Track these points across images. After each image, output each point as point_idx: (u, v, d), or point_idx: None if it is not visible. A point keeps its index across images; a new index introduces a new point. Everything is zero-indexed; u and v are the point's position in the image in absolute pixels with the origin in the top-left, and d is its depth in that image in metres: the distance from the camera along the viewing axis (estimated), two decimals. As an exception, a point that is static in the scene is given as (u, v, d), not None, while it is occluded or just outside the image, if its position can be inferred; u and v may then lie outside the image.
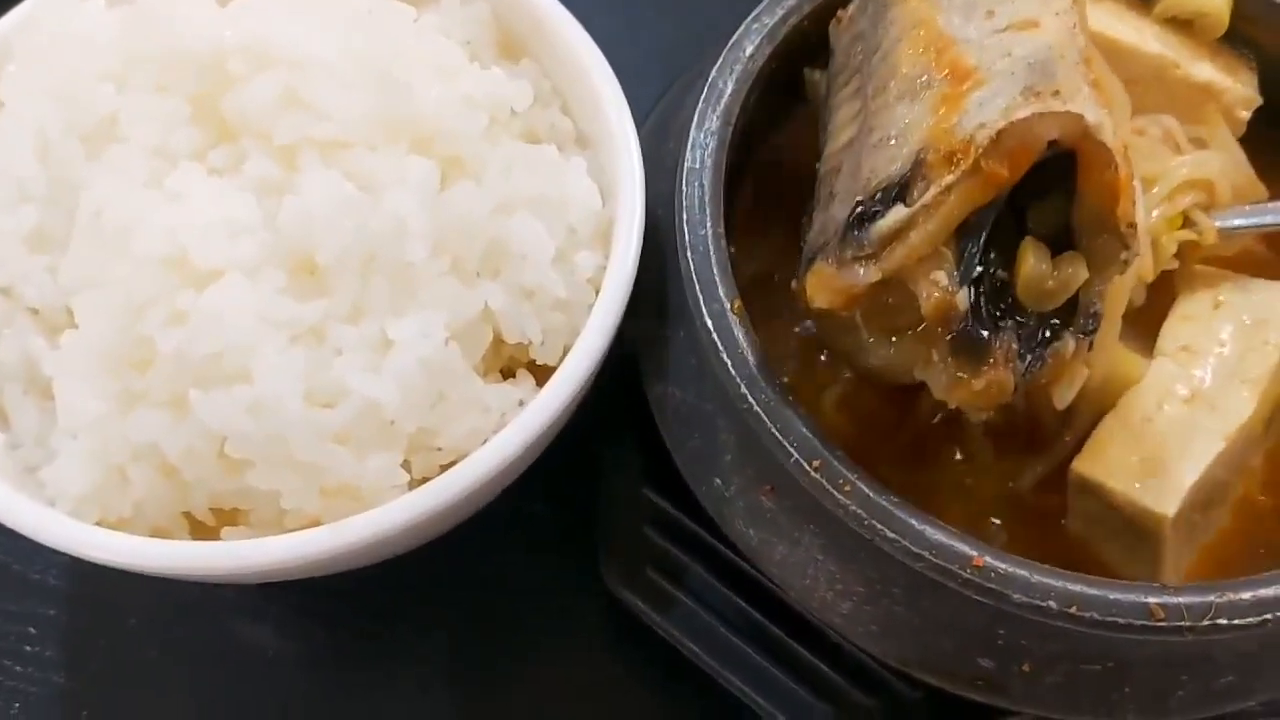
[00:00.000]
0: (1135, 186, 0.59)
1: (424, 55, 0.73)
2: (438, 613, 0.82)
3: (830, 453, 0.63)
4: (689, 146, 0.73)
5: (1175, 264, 0.76)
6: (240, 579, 0.66)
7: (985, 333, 0.58)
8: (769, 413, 0.65)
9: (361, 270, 0.65)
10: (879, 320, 0.64)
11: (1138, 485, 0.68)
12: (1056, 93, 0.57)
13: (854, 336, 0.66)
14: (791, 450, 0.63)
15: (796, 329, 0.77)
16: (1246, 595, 0.59)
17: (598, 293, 0.71)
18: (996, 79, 0.59)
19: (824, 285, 0.60)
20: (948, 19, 0.65)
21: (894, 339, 0.63)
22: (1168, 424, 0.70)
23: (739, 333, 0.67)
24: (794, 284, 0.64)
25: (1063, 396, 0.62)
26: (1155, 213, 0.75)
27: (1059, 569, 0.60)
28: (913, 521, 0.61)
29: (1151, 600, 0.59)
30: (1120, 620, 0.59)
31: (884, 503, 0.62)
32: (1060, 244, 0.60)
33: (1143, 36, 0.80)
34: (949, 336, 0.59)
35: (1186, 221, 0.76)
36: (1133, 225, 0.58)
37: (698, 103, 0.75)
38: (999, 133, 0.56)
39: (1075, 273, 0.59)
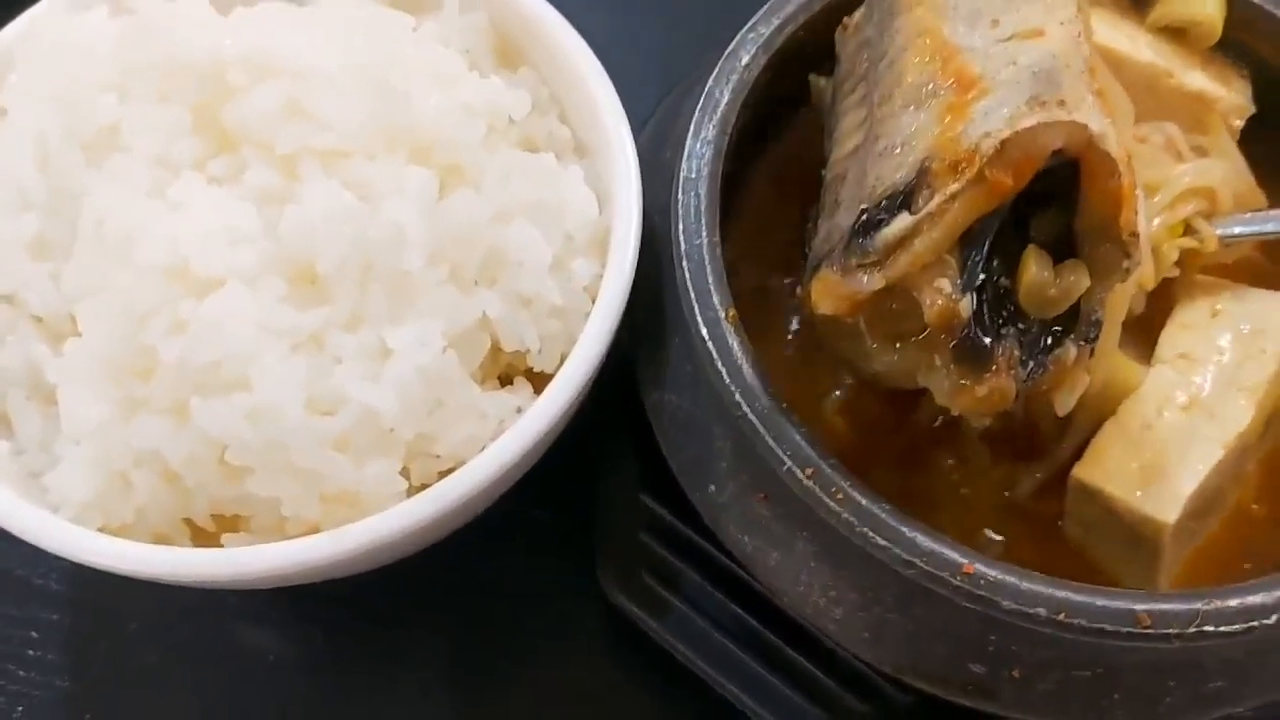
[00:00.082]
0: (1138, 195, 0.59)
1: (423, 64, 0.73)
2: (436, 617, 0.82)
3: (823, 461, 0.63)
4: (685, 156, 0.73)
5: (1176, 272, 0.76)
6: (241, 585, 0.66)
7: (988, 340, 0.59)
8: (763, 421, 0.65)
9: (360, 279, 0.66)
10: (882, 326, 0.64)
11: (1139, 493, 0.69)
12: (1061, 102, 0.56)
13: (857, 342, 0.66)
14: (785, 458, 0.64)
15: (791, 337, 0.77)
16: (1233, 602, 0.60)
17: (594, 300, 0.71)
18: (1001, 88, 0.59)
19: (829, 292, 0.60)
20: (953, 28, 0.65)
21: (897, 345, 0.63)
22: (1167, 431, 0.70)
23: (733, 341, 0.67)
24: (799, 290, 0.64)
25: (1064, 403, 0.63)
26: (1157, 220, 0.75)
27: (1049, 576, 0.60)
28: (904, 529, 0.61)
29: (1139, 608, 0.59)
30: (1108, 627, 0.59)
31: (876, 510, 0.62)
32: (1062, 251, 0.60)
33: (1136, 45, 0.80)
34: (952, 343, 0.59)
35: (1188, 229, 0.76)
36: (1135, 234, 0.58)
37: (694, 112, 0.75)
38: (1004, 142, 0.56)
39: (1077, 281, 0.59)
